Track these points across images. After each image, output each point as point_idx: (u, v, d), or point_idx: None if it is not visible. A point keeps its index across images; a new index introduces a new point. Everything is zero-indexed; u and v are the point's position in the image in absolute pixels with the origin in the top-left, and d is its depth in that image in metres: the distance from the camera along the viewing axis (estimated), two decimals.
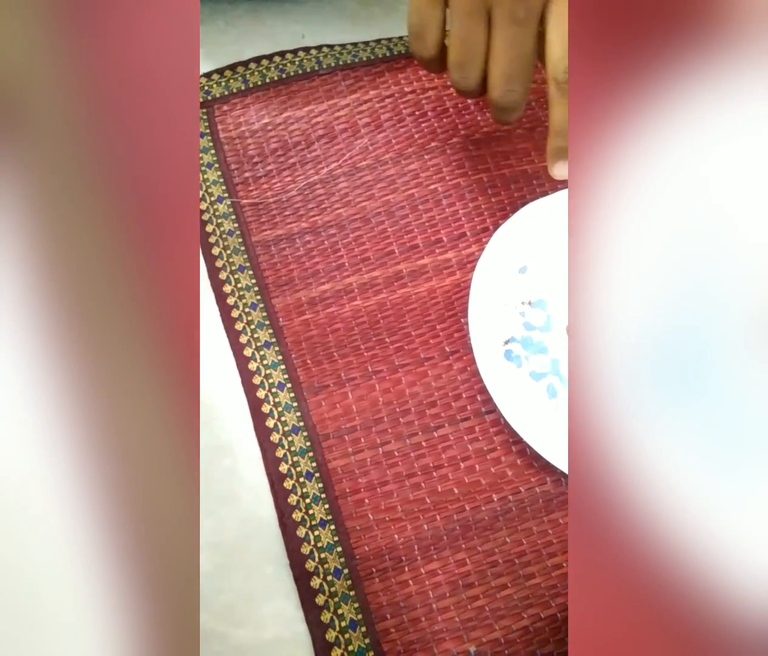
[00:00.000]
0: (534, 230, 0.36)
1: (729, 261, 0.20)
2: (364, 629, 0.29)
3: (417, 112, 0.40)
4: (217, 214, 0.37)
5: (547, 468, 0.32)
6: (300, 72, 0.41)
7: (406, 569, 0.30)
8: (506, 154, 0.39)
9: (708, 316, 0.20)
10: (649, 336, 0.20)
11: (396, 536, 0.30)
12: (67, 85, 0.18)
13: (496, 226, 0.36)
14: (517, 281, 0.35)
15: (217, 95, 0.40)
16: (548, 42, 0.31)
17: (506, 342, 0.34)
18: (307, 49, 0.41)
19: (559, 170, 0.33)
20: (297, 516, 0.31)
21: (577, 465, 0.20)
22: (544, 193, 0.37)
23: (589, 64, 0.21)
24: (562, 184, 0.38)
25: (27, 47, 0.18)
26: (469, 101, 0.41)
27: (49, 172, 0.18)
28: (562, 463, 0.31)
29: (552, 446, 0.31)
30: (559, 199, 0.36)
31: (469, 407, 0.33)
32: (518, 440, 0.32)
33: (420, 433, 0.32)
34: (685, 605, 0.19)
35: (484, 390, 0.33)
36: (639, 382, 0.21)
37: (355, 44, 0.42)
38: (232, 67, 0.41)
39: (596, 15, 0.20)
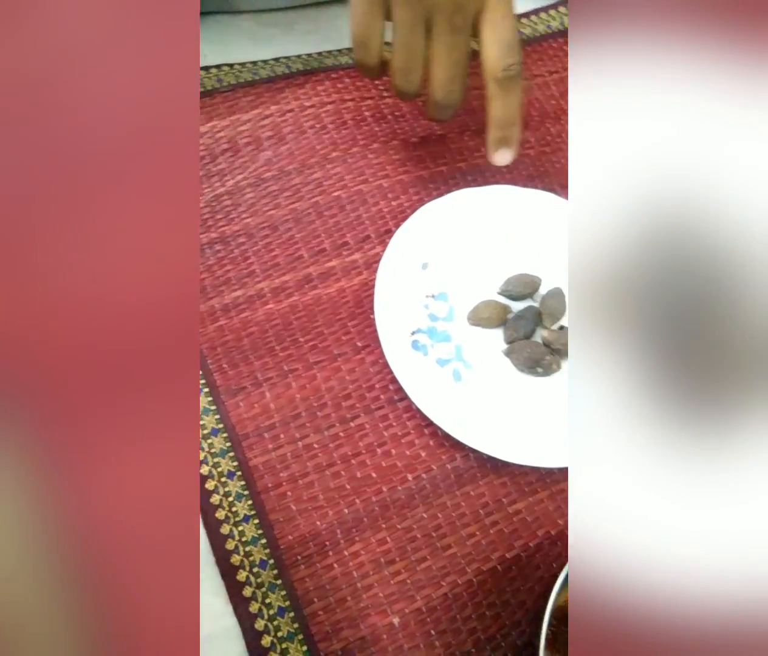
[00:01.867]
0: (432, 229, 0.38)
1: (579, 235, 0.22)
2: (292, 615, 0.30)
3: (317, 125, 0.42)
4: None
5: (456, 446, 0.34)
6: (201, 90, 0.42)
7: (330, 553, 0.31)
8: (403, 161, 0.42)
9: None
10: None
11: (318, 523, 0.32)
12: None
13: (398, 227, 0.38)
14: (420, 276, 0.37)
15: None
16: (484, 45, 0.34)
17: (413, 334, 0.36)
18: (207, 68, 0.43)
19: (500, 158, 0.36)
20: (220, 514, 0.31)
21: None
22: (440, 195, 0.40)
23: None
24: (456, 187, 0.41)
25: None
26: (366, 113, 0.43)
27: None
28: (469, 440, 0.33)
29: (460, 425, 0.34)
30: (452, 199, 0.39)
31: (382, 396, 0.35)
32: (429, 423, 0.34)
33: (337, 425, 0.34)
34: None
35: (395, 379, 0.35)
36: None
37: (254, 63, 0.44)
38: None
39: None
